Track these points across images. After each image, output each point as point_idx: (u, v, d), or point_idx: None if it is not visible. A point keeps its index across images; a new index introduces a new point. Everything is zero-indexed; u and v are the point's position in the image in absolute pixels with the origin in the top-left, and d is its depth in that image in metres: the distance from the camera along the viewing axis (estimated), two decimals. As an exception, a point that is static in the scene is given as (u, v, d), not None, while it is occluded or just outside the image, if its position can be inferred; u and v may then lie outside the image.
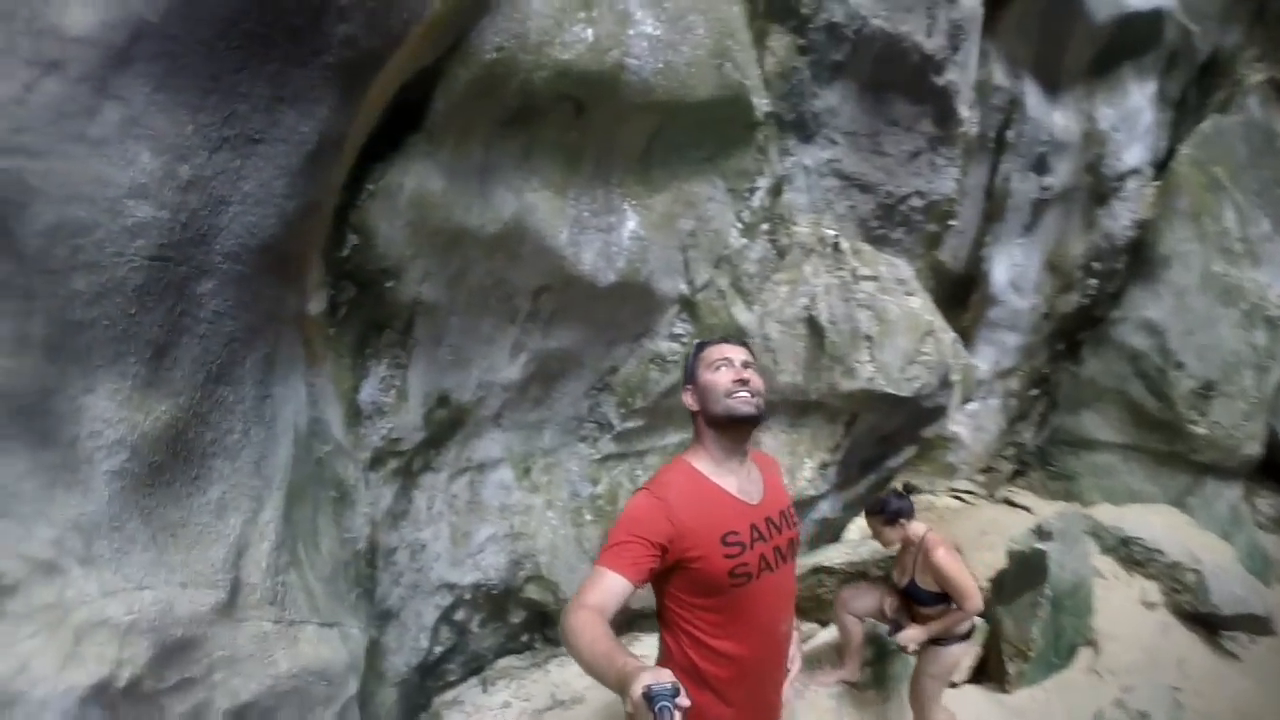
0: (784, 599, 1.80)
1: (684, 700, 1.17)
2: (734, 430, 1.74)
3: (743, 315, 3.54)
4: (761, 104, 3.31)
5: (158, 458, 1.70)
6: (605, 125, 2.98)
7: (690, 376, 1.82)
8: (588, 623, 1.43)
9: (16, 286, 1.40)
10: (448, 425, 3.18)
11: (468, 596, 3.32)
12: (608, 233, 3.21)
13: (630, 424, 3.63)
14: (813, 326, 3.61)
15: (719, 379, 1.74)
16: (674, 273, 3.41)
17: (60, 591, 1.56)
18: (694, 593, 1.66)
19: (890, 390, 3.55)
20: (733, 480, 1.75)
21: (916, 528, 3.03)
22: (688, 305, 3.53)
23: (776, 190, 3.57)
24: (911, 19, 3.45)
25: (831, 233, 3.72)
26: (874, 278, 3.69)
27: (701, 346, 1.85)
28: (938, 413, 3.67)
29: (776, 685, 1.81)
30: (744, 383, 1.72)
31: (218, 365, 1.82)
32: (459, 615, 3.34)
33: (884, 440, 3.82)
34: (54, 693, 1.54)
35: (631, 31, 2.79)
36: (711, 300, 3.53)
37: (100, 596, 1.62)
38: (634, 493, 1.81)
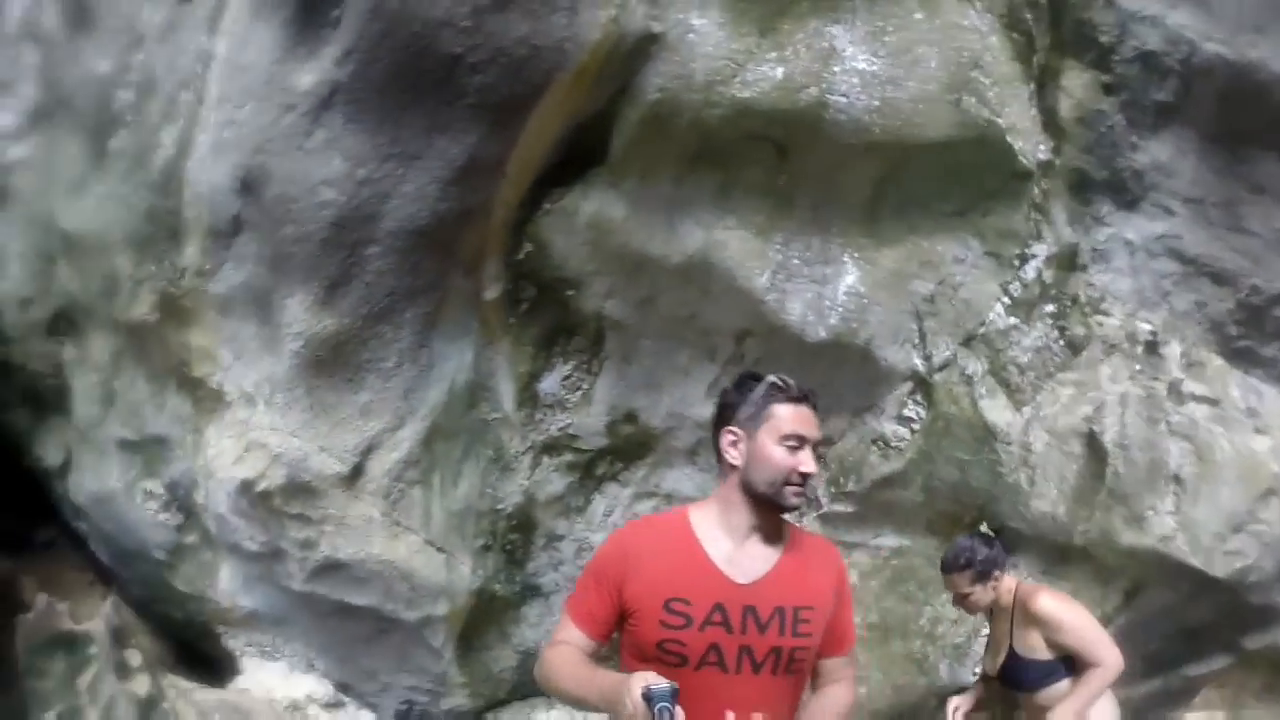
0: (754, 704, 1.43)
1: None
2: (768, 512, 1.51)
3: (998, 413, 2.94)
4: (1030, 150, 2.75)
5: (323, 354, 2.68)
6: (819, 169, 2.98)
7: (744, 422, 1.52)
8: (565, 655, 1.46)
9: (259, 225, 2.55)
10: (635, 443, 3.52)
11: None
12: (821, 284, 3.13)
13: (838, 507, 3.35)
14: (1093, 447, 2.73)
15: (784, 461, 1.46)
16: (903, 342, 3.08)
17: (249, 415, 2.66)
18: (632, 657, 1.49)
19: (1195, 563, 2.48)
20: (724, 546, 1.49)
21: (1008, 582, 2.44)
22: (923, 385, 3.11)
23: (1068, 264, 2.83)
24: (1266, 42, 2.34)
25: (1147, 327, 2.73)
26: (1209, 400, 2.56)
27: (774, 394, 1.53)
28: (1269, 616, 2.30)
29: None
30: (808, 477, 1.48)
31: (378, 307, 2.73)
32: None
33: (1186, 635, 2.56)
34: (228, 476, 2.63)
35: (837, 68, 2.78)
36: (954, 385, 3.03)
37: (267, 428, 2.66)
38: None
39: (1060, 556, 2.85)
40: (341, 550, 2.78)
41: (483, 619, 3.20)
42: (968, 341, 2.99)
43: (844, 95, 2.75)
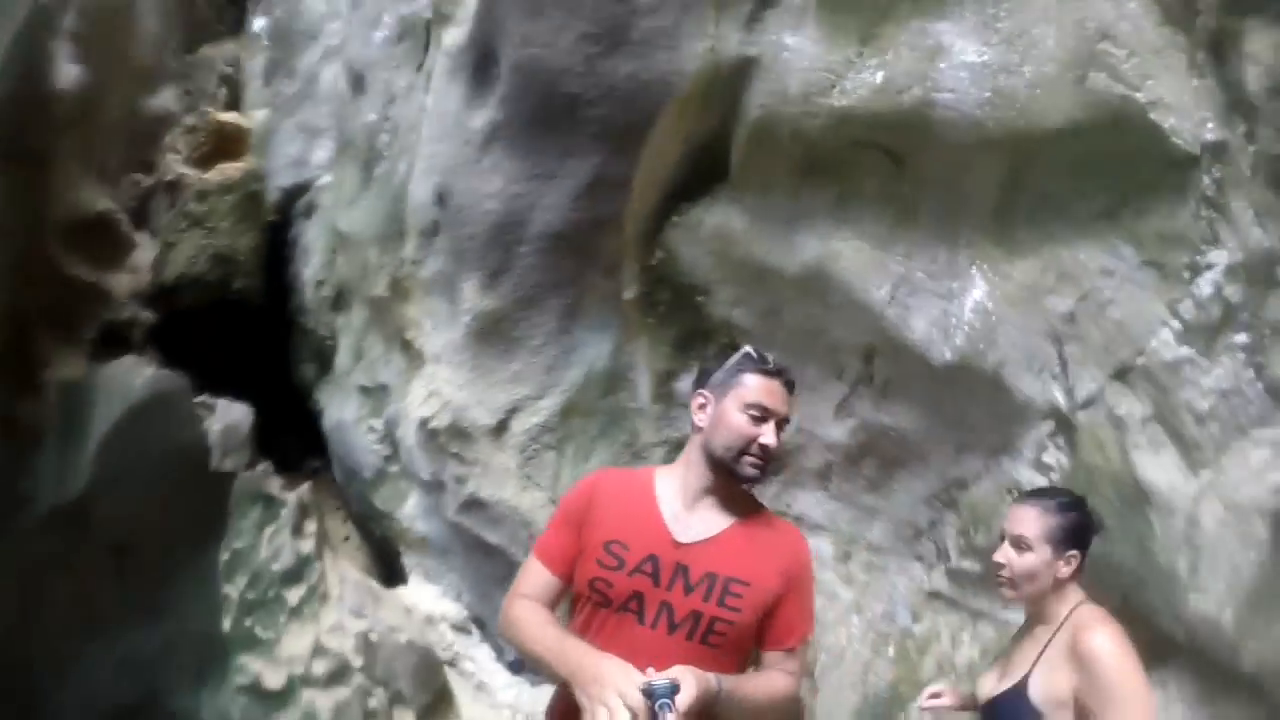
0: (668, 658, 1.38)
1: (683, 699, 1.21)
2: (725, 478, 1.52)
3: (1159, 472, 2.33)
4: (1190, 130, 2.19)
5: (486, 327, 3.52)
6: (939, 173, 2.84)
7: (715, 387, 1.55)
8: (527, 611, 1.46)
9: (448, 227, 3.52)
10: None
11: None
12: (947, 300, 2.85)
13: (967, 564, 3.01)
14: (1284, 531, 1.98)
15: (744, 429, 1.48)
16: (1040, 370, 2.66)
17: (435, 370, 3.62)
18: (575, 598, 1.55)
19: None
20: (676, 504, 1.52)
21: (1074, 589, 1.67)
22: (1064, 425, 2.65)
23: (1262, 278, 2.12)
24: None
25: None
26: None
27: (747, 364, 1.55)
28: None
29: None
30: (767, 450, 1.49)
31: (527, 294, 3.45)
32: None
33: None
34: (415, 415, 3.61)
35: (943, 64, 2.64)
36: (1100, 429, 2.51)
37: (444, 381, 3.58)
38: None
39: (1221, 680, 2.06)
40: (483, 490, 3.54)
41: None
42: (1122, 374, 2.41)
43: (950, 91, 2.60)
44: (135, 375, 3.22)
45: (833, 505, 3.49)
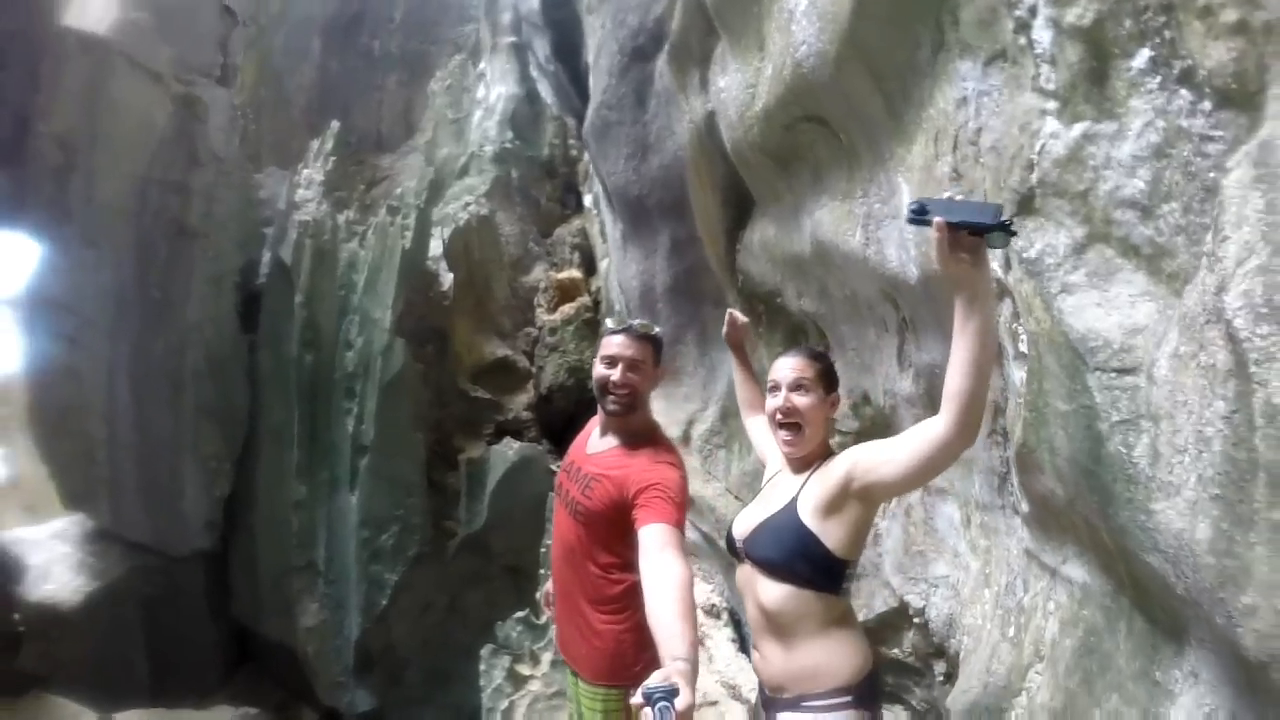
0: (565, 544, 2.19)
1: (681, 701, 1.34)
2: (606, 414, 2.20)
3: (1097, 317, 1.68)
4: None
5: (672, 364, 4.91)
6: (845, 110, 3.09)
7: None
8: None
9: (638, 300, 5.14)
10: (881, 425, 4.00)
11: (915, 620, 3.33)
12: (897, 217, 2.93)
13: (1025, 508, 2.50)
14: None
15: (599, 374, 2.15)
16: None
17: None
18: None
19: None
20: (594, 435, 2.30)
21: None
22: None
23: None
24: None
25: None
26: None
27: (607, 331, 2.25)
28: None
29: (573, 619, 2.20)
30: (614, 385, 2.13)
31: (673, 335, 4.69)
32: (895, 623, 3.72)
33: None
34: None
35: (794, 26, 3.06)
36: (1023, 284, 1.94)
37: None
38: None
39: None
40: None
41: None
42: (1027, 205, 1.85)
43: (803, 43, 3.07)
44: (509, 449, 5.65)
45: None
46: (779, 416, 2.03)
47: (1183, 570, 1.45)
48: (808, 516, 1.90)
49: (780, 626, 1.92)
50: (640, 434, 2.18)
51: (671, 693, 1.32)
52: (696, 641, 1.66)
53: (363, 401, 6.37)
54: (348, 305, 6.86)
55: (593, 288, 7.55)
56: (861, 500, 1.88)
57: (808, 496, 1.93)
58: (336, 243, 7.05)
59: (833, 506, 1.87)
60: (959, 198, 1.58)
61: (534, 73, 10.74)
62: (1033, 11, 1.78)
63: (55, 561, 5.74)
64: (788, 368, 2.07)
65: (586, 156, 7.40)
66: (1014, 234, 1.52)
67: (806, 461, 2.04)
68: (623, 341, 2.16)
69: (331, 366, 6.58)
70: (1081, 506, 1.83)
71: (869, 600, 3.72)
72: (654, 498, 1.95)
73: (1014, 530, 2.71)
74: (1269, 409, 1.27)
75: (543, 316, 7.02)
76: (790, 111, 3.30)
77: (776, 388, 2.07)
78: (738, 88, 3.59)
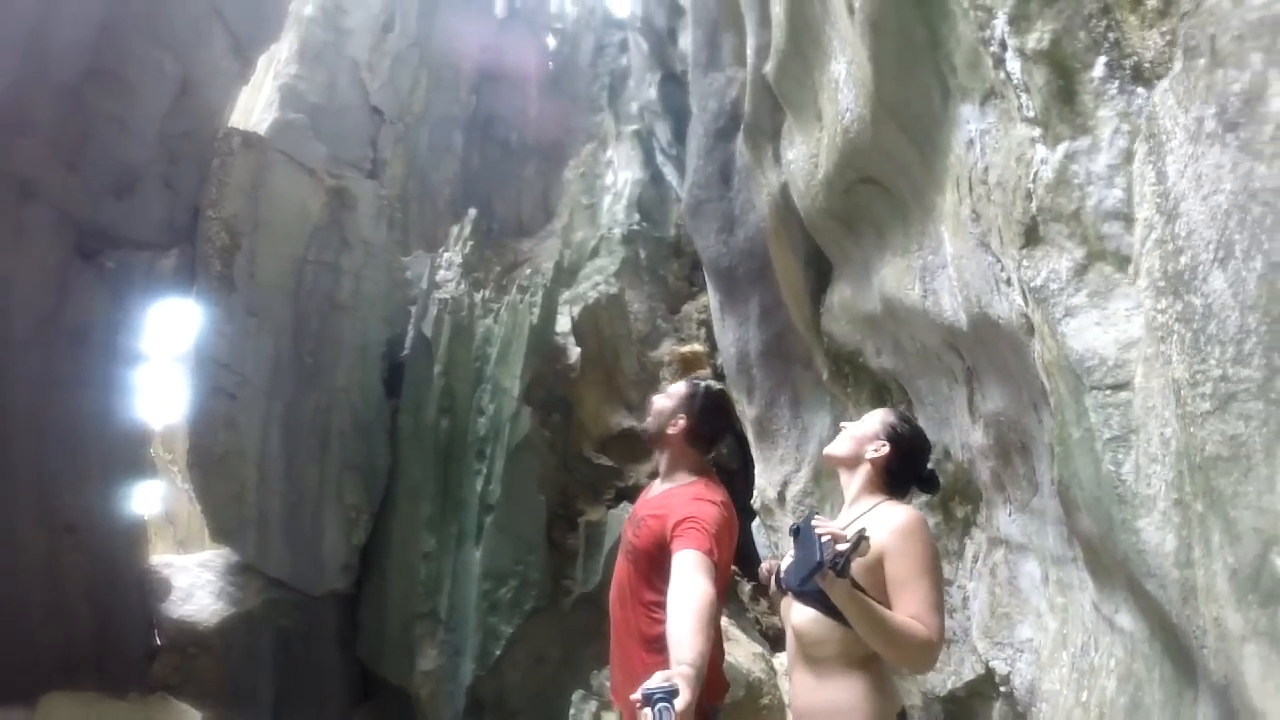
0: (618, 584, 2.33)
1: (680, 701, 1.38)
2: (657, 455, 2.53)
3: (1095, 336, 1.79)
4: None
5: (757, 430, 5.11)
6: (896, 169, 3.39)
7: None
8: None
9: (739, 373, 5.46)
10: (964, 481, 4.03)
11: (1002, 688, 3.25)
12: (945, 266, 2.98)
13: (1081, 554, 2.54)
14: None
15: None
16: (994, 286, 2.41)
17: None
18: None
19: None
20: (655, 484, 2.50)
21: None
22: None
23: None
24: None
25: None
26: None
27: None
28: None
29: (623, 662, 2.30)
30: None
31: (768, 399, 4.95)
32: (984, 691, 3.64)
33: None
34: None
35: (841, 95, 3.44)
36: (1033, 314, 2.09)
37: (759, 470, 5.20)
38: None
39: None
40: (779, 549, 4.94)
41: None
42: (1031, 236, 1.95)
43: (848, 109, 3.40)
44: (625, 514, 6.02)
45: (1020, 518, 3.41)
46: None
47: (1167, 592, 1.50)
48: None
49: (810, 654, 2.03)
50: (686, 476, 2.37)
51: (671, 693, 1.34)
52: (706, 653, 1.73)
53: (491, 463, 7.04)
54: (481, 375, 7.67)
55: (716, 360, 7.93)
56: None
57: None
58: (473, 318, 7.95)
59: (869, 562, 1.97)
60: (819, 530, 1.83)
61: (658, 158, 11.58)
62: (1002, 45, 1.92)
63: (199, 586, 6.51)
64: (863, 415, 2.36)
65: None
66: (839, 568, 1.76)
67: (856, 496, 2.21)
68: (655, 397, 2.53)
69: (465, 430, 7.35)
70: (1107, 541, 1.87)
71: (958, 668, 3.68)
72: (689, 528, 2.07)
73: (1085, 584, 2.68)
74: (1176, 388, 1.32)
75: (668, 386, 7.48)
76: (846, 175, 3.58)
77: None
78: (803, 158, 3.93)
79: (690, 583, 1.90)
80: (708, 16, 4.93)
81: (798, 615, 2.05)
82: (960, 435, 3.66)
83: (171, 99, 5.60)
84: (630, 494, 6.86)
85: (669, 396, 2.47)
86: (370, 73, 10.46)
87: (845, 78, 3.28)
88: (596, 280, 9.93)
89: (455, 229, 9.63)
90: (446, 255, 9.00)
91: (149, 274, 5.97)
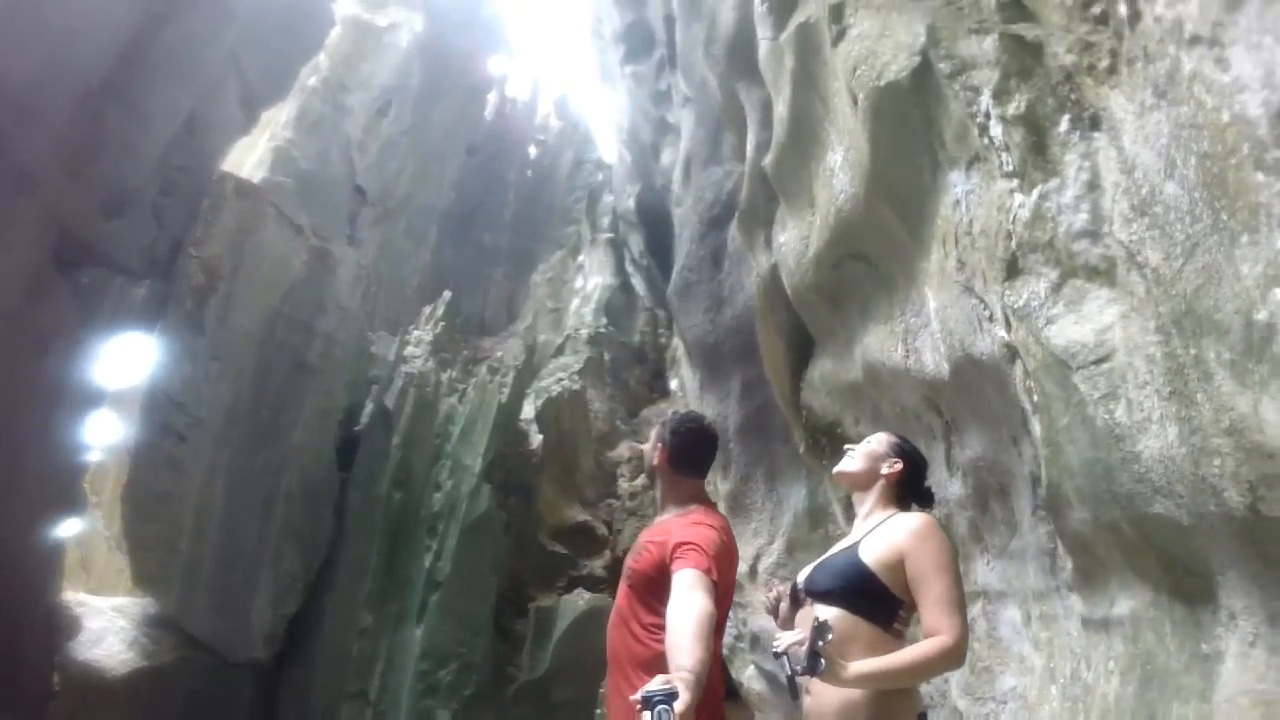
0: (616, 609, 2.30)
1: (680, 704, 1.39)
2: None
3: (1076, 329, 2.21)
4: None
5: (733, 503, 5.25)
6: (879, 239, 3.75)
7: None
8: None
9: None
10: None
11: None
12: (928, 325, 3.34)
13: (1069, 566, 2.83)
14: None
15: None
16: (977, 325, 2.80)
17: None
18: None
19: None
20: (658, 518, 2.52)
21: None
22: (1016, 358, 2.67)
23: (1022, 69, 2.41)
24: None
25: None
26: None
27: None
28: None
29: (619, 687, 2.21)
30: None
31: (743, 473, 5.14)
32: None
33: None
34: None
35: (835, 182, 3.96)
36: (1019, 334, 2.45)
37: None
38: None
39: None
40: (751, 623, 4.97)
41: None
42: (1012, 270, 2.41)
43: (841, 191, 3.86)
44: (580, 599, 6.02)
45: (999, 565, 3.63)
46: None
47: (1175, 489, 1.82)
48: (869, 558, 2.12)
49: (837, 653, 2.06)
50: (685, 505, 2.40)
51: (671, 696, 1.36)
52: (706, 661, 1.78)
53: (443, 540, 6.90)
54: (441, 452, 7.66)
55: (673, 462, 8.13)
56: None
57: (871, 543, 2.16)
58: (438, 395, 8.03)
59: (891, 562, 2.10)
60: (776, 648, 1.99)
61: (629, 267, 12.20)
62: (987, 115, 2.42)
63: (111, 632, 6.08)
64: (865, 438, 2.52)
65: (675, 343, 8.29)
66: (816, 668, 1.88)
67: (870, 509, 2.34)
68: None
69: (419, 505, 7.23)
70: (1103, 513, 2.17)
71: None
72: (688, 550, 2.12)
73: (1071, 610, 2.95)
74: (1156, 276, 1.85)
75: (624, 485, 7.62)
76: (835, 251, 3.97)
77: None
78: (795, 240, 4.37)
79: (689, 597, 1.98)
80: (711, 116, 5.55)
81: (822, 615, 2.10)
82: (939, 490, 3.86)
83: (178, 133, 5.80)
84: (584, 581, 6.77)
85: (649, 437, 2.58)
86: (360, 152, 10.94)
87: (841, 164, 3.74)
88: (560, 376, 10.17)
89: (428, 309, 9.85)
90: (416, 333, 9.15)
91: (119, 300, 5.91)
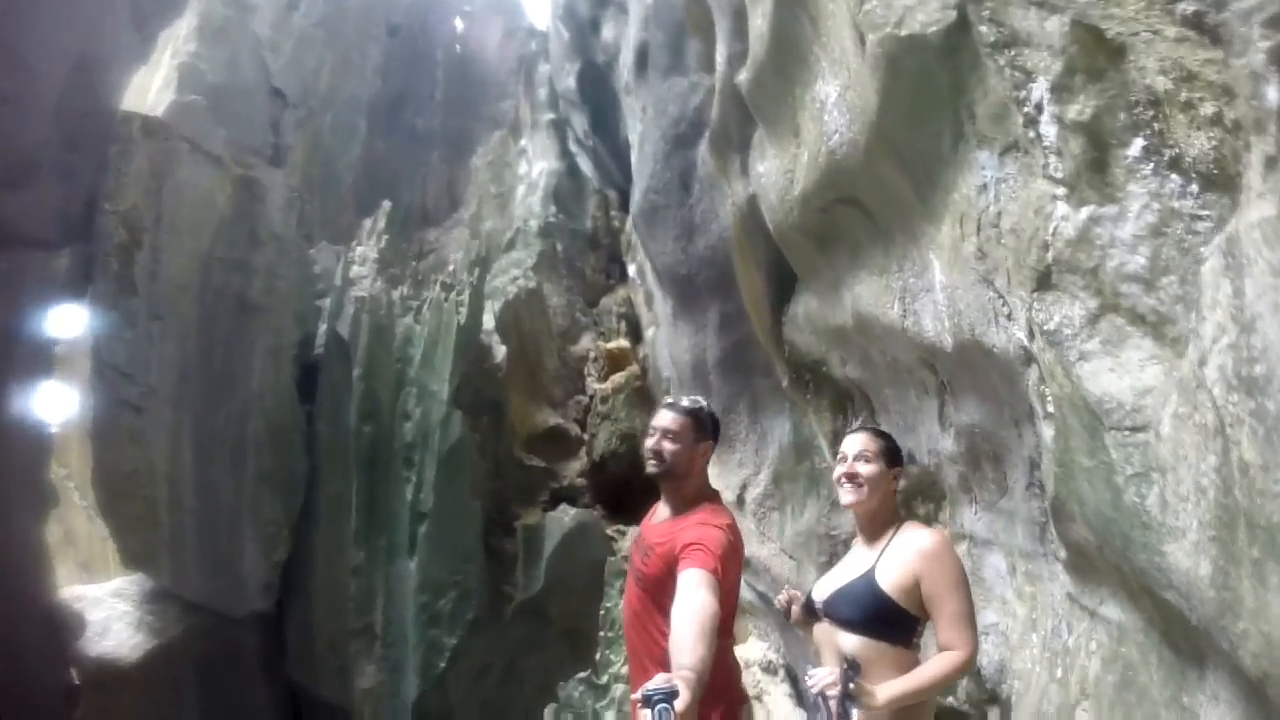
0: (631, 609, 2.41)
1: (680, 702, 1.42)
2: (659, 485, 2.49)
3: (1111, 380, 2.02)
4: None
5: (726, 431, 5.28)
6: (879, 190, 3.51)
7: None
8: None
9: (697, 372, 5.58)
10: (927, 484, 4.33)
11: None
12: (930, 291, 3.20)
13: (1063, 554, 2.79)
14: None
15: (643, 444, 2.50)
16: (992, 319, 2.63)
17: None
18: None
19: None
20: (661, 510, 2.52)
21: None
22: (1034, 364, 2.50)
23: (1090, 67, 2.01)
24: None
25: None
26: None
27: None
28: None
29: (640, 683, 2.15)
30: (653, 453, 2.42)
31: (725, 404, 5.10)
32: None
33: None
34: None
35: (826, 116, 3.55)
36: (1045, 353, 2.27)
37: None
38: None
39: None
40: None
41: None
42: (1044, 282, 2.20)
43: (836, 132, 3.46)
44: (566, 516, 6.05)
45: (986, 516, 3.75)
46: (844, 480, 2.37)
47: (1193, 604, 1.77)
48: (886, 584, 2.22)
49: (865, 675, 2.17)
50: (693, 502, 2.43)
51: (671, 694, 1.37)
52: (708, 660, 1.80)
53: (421, 471, 6.85)
54: (404, 378, 7.43)
55: (640, 355, 8.02)
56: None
57: (886, 569, 2.25)
58: (393, 318, 7.68)
59: (908, 585, 2.22)
60: (812, 688, 2.06)
61: (573, 148, 11.52)
62: (1039, 108, 2.12)
63: (115, 619, 6.14)
64: (855, 442, 2.41)
65: (629, 227, 7.95)
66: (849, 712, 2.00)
67: (877, 528, 2.36)
68: (663, 415, 2.49)
69: (390, 437, 7.11)
70: (1109, 553, 2.17)
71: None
72: (695, 550, 2.18)
73: (1056, 576, 3.02)
74: (1242, 464, 1.57)
75: (593, 385, 7.54)
76: (826, 195, 3.74)
77: (844, 459, 2.40)
78: (776, 173, 4.07)
79: (693, 596, 2.02)
80: (671, 18, 4.99)
81: (846, 641, 2.24)
82: (928, 442, 3.93)
83: (69, 77, 5.00)
84: (565, 494, 6.89)
85: (675, 437, 2.43)
86: (273, 52, 9.81)
87: (836, 100, 3.40)
88: (515, 274, 9.78)
89: (368, 222, 9.22)
90: (360, 250, 8.61)
91: (41, 277, 5.34)
